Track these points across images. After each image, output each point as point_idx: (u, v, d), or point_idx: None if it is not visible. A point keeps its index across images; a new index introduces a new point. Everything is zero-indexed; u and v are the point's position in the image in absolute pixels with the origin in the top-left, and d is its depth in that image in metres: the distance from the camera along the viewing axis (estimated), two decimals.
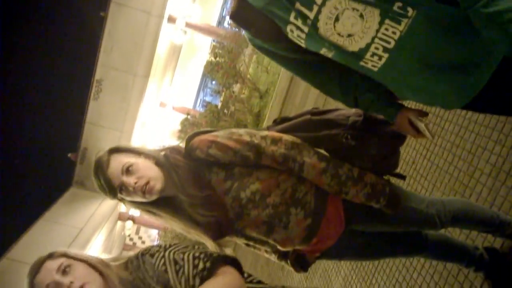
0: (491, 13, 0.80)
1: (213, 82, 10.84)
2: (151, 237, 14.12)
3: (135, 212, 10.68)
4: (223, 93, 9.67)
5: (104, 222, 9.31)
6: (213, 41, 12.62)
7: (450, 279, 1.92)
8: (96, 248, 8.86)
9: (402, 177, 1.33)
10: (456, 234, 1.96)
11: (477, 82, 0.93)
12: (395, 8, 0.88)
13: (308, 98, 5.16)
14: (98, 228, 9.02)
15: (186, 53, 12.52)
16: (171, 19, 9.51)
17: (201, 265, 0.89)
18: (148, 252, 0.97)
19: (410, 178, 2.49)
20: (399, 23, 0.90)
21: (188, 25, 10.12)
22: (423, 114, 1.10)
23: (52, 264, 0.99)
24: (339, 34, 0.95)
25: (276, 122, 1.34)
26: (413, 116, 1.09)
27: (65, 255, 1.02)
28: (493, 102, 1.00)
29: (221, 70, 8.80)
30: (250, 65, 9.65)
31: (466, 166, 2.09)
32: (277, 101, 6.70)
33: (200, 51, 13.31)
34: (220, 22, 14.17)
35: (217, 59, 9.01)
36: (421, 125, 1.09)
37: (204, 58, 11.63)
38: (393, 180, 1.29)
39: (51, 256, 1.03)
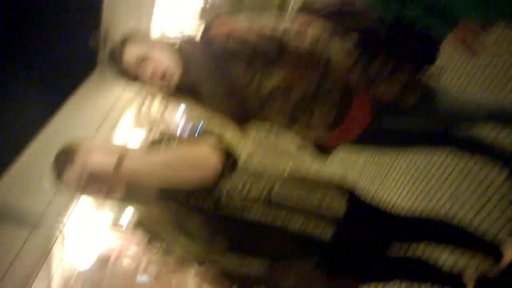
0: None
1: None
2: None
3: None
4: None
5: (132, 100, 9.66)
6: None
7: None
8: (127, 126, 9.44)
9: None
10: None
11: None
12: None
13: None
14: (127, 107, 9.42)
15: None
16: None
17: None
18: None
19: None
20: None
21: None
22: (479, 31, 0.97)
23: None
24: None
25: (301, 10, 1.22)
26: (469, 35, 0.98)
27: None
28: None
29: None
30: None
31: None
32: None
33: None
34: None
35: None
36: (477, 45, 0.98)
37: None
38: None
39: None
